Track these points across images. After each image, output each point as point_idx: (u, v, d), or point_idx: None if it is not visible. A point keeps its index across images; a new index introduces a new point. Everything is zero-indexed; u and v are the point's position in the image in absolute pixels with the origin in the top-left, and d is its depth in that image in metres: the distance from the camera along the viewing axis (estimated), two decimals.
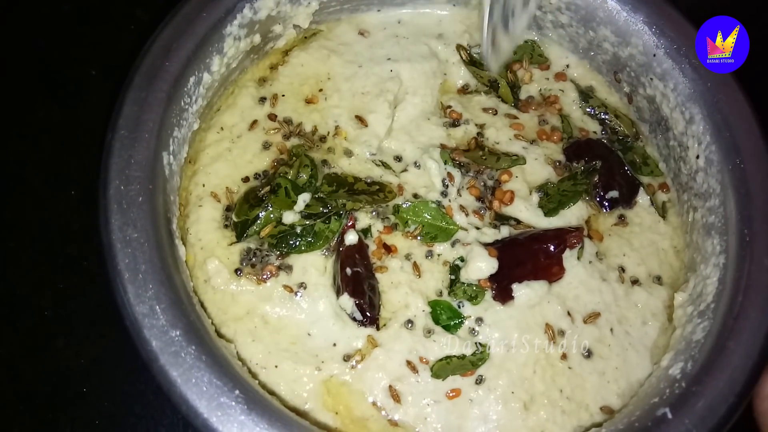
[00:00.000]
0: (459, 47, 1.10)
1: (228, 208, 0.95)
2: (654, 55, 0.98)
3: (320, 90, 1.05)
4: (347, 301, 0.88)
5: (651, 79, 1.00)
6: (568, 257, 0.94)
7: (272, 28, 1.04)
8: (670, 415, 0.74)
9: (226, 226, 0.94)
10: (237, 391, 0.71)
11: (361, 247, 0.92)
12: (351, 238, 0.92)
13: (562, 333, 0.91)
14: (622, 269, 0.96)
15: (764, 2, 1.14)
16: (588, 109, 1.08)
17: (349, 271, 0.89)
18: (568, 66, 1.11)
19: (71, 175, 1.11)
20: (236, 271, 0.91)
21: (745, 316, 0.78)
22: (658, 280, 0.97)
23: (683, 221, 0.99)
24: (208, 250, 0.92)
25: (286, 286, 0.90)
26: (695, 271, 0.92)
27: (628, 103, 1.07)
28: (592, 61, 1.09)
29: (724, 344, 0.77)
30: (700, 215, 0.94)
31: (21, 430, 0.99)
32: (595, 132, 1.06)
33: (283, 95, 1.04)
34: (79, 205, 1.09)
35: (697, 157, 0.94)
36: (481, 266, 0.92)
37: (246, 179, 0.97)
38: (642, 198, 1.02)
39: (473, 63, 1.09)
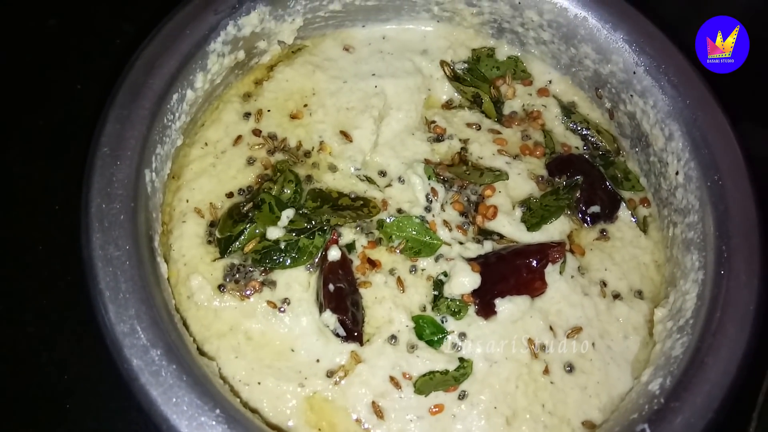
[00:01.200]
0: (443, 63, 1.11)
1: (212, 224, 0.95)
2: (634, 73, 0.99)
3: (305, 105, 1.05)
4: (330, 317, 0.88)
5: (631, 95, 1.01)
6: (551, 272, 0.95)
7: (256, 44, 1.04)
8: (648, 431, 0.74)
9: (209, 242, 0.94)
10: (218, 410, 0.71)
11: (344, 263, 0.93)
12: (334, 254, 0.92)
13: (544, 347, 0.92)
14: (604, 284, 0.97)
15: (764, 2, 1.15)
16: (570, 125, 1.09)
17: (331, 287, 0.89)
18: (550, 82, 1.12)
19: (55, 190, 1.11)
20: (219, 287, 0.91)
21: (723, 332, 0.79)
22: (640, 294, 0.98)
23: (664, 236, 1.00)
24: (192, 266, 0.92)
25: (269, 302, 0.90)
26: (675, 286, 0.93)
27: (609, 119, 1.08)
28: (573, 77, 1.10)
29: (703, 360, 0.78)
30: (679, 231, 0.95)
31: None
32: (577, 147, 1.07)
33: (268, 110, 1.04)
34: (62, 219, 1.08)
35: (677, 173, 0.95)
36: (464, 281, 0.92)
37: (230, 195, 0.97)
38: (623, 213, 1.03)
39: (457, 78, 1.10)
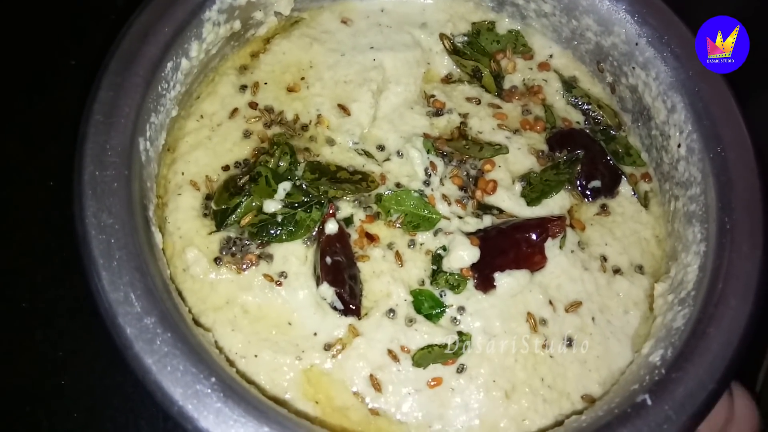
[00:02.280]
0: (442, 36, 1.09)
1: (208, 197, 0.94)
2: (636, 44, 0.98)
3: (302, 78, 1.04)
4: (327, 290, 0.87)
5: (633, 68, 1.00)
6: (551, 246, 0.94)
7: (253, 14, 1.02)
8: (649, 402, 0.73)
9: (205, 215, 0.93)
10: (213, 379, 0.70)
11: (341, 236, 0.92)
12: (331, 227, 0.91)
13: (543, 322, 0.91)
14: (604, 258, 0.96)
15: (764, 2, 1.14)
16: (571, 99, 1.08)
17: (329, 260, 0.88)
18: (551, 56, 1.11)
19: (50, 167, 1.10)
20: (216, 260, 0.90)
21: (725, 303, 0.78)
22: (640, 269, 0.97)
23: (665, 211, 0.99)
24: (187, 239, 0.91)
25: (266, 275, 0.89)
26: (676, 260, 0.92)
27: (611, 94, 1.07)
28: (575, 51, 1.09)
29: (705, 330, 0.77)
30: (681, 204, 0.94)
31: None
32: (578, 122, 1.06)
33: (265, 83, 1.03)
34: (58, 196, 1.07)
35: (679, 145, 0.94)
36: (463, 255, 0.91)
37: (226, 168, 0.96)
38: (624, 188, 1.02)
39: (456, 52, 1.09)
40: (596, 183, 1.01)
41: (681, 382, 0.74)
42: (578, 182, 1.01)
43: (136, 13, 0.87)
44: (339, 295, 0.87)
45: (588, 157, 1.01)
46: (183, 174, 0.95)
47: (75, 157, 0.80)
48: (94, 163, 0.79)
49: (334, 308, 0.88)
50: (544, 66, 1.10)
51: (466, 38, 1.10)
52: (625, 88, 1.04)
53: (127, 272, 0.74)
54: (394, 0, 1.11)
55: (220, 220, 0.92)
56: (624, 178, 1.02)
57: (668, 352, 0.79)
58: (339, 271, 0.88)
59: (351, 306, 0.88)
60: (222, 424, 0.68)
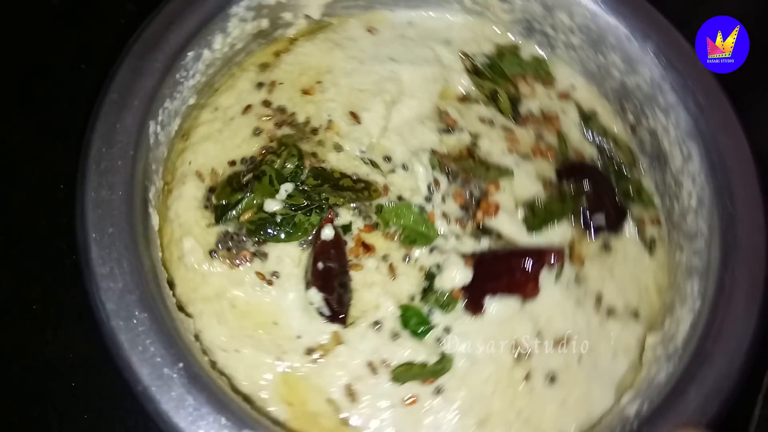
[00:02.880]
0: (463, 54, 1.09)
1: (211, 189, 0.95)
2: (660, 87, 0.96)
3: (318, 82, 1.04)
4: (315, 295, 0.88)
5: (655, 111, 0.98)
6: (546, 277, 0.92)
7: (281, 14, 1.04)
8: None
9: (206, 207, 0.94)
10: (181, 365, 0.71)
11: (337, 243, 0.92)
12: (327, 232, 0.91)
13: (529, 354, 0.90)
14: (599, 297, 0.95)
15: (764, 2, 1.13)
16: (588, 133, 1.07)
17: (321, 265, 0.89)
18: (573, 87, 1.10)
19: (60, 170, 1.09)
20: (211, 252, 0.91)
21: (711, 365, 0.76)
22: (635, 315, 0.95)
23: (670, 260, 0.97)
24: (186, 228, 0.92)
25: (258, 273, 0.90)
26: (672, 314, 0.90)
27: (632, 134, 1.06)
28: (600, 86, 1.07)
29: (685, 388, 0.75)
30: (685, 256, 0.92)
31: (8, 424, 0.98)
32: (591, 157, 1.05)
33: (281, 83, 1.04)
34: (68, 199, 1.06)
35: (690, 196, 0.93)
36: (456, 275, 0.91)
37: (232, 163, 0.97)
38: (629, 228, 1.00)
39: (476, 72, 1.09)
40: (600, 218, 0.99)
41: None
42: (582, 215, 0.99)
43: (162, 4, 0.89)
44: (327, 301, 0.88)
45: (595, 191, 1.00)
46: (190, 163, 0.96)
47: (85, 133, 0.81)
48: (102, 139, 0.80)
49: (321, 314, 0.88)
50: (564, 95, 1.09)
51: (487, 59, 1.10)
52: (646, 131, 1.02)
53: (116, 248, 0.75)
54: (422, 14, 1.11)
55: (220, 213, 0.93)
56: (630, 218, 1.00)
57: (644, 406, 0.77)
58: (330, 278, 0.89)
59: (337, 313, 0.88)
60: (182, 410, 0.69)
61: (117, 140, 0.80)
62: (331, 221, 0.93)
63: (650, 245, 1.00)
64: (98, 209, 0.76)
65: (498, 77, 1.09)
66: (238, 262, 0.91)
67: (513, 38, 1.12)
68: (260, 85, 1.03)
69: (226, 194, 0.93)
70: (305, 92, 1.04)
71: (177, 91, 0.90)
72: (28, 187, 1.11)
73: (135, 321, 0.71)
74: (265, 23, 1.01)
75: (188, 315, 0.86)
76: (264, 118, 1.00)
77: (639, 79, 1.01)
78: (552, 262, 0.92)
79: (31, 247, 1.07)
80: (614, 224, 1.00)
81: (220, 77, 1.03)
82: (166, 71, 0.86)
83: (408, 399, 0.85)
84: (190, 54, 0.90)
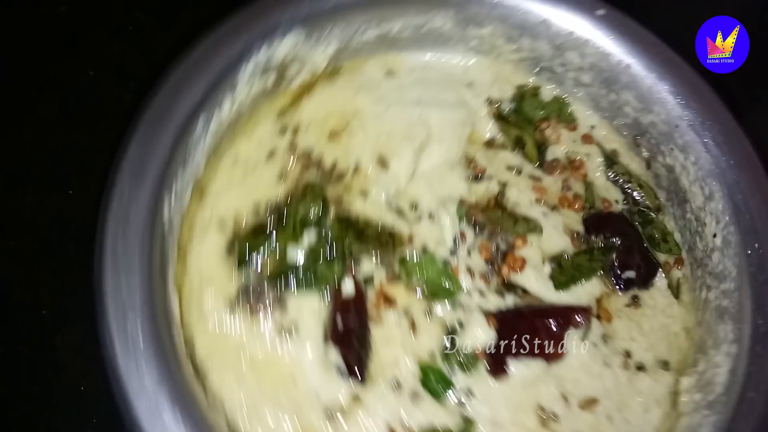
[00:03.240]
0: (489, 101, 1.06)
1: (233, 239, 0.94)
2: (677, 126, 0.94)
3: (346, 125, 1.02)
4: (333, 351, 0.86)
5: (672, 149, 0.97)
6: (572, 337, 0.90)
7: (289, 68, 1.01)
8: None
9: (228, 258, 0.93)
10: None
11: (358, 298, 0.90)
12: (348, 287, 0.89)
13: (555, 417, 0.87)
14: (629, 354, 0.92)
15: (764, 2, 1.11)
16: (611, 176, 1.04)
17: (340, 321, 0.87)
18: (593, 127, 1.07)
19: (69, 175, 1.11)
20: (231, 303, 0.90)
21: (756, 415, 0.75)
22: (665, 365, 0.92)
23: (695, 297, 0.95)
24: (206, 278, 0.91)
25: (278, 326, 0.89)
26: (705, 354, 0.88)
27: (646, 168, 1.03)
28: (611, 123, 1.05)
29: None
30: (713, 296, 0.90)
31: (17, 428, 0.98)
32: (617, 201, 1.02)
33: (307, 126, 1.02)
34: (76, 204, 1.08)
35: (714, 235, 0.90)
36: (479, 335, 0.89)
37: (257, 211, 0.95)
38: (660, 281, 0.97)
39: (502, 118, 1.06)
40: (631, 273, 0.96)
41: None
42: (611, 271, 0.97)
43: (168, 72, 0.87)
44: (345, 359, 0.86)
45: (625, 245, 0.97)
46: (211, 212, 0.95)
47: (97, 226, 0.80)
48: (117, 222, 0.78)
49: (339, 371, 0.87)
50: (587, 138, 1.06)
51: (512, 105, 1.07)
52: (662, 167, 1.00)
53: (143, 359, 0.74)
54: (432, 58, 1.09)
55: (241, 256, 0.91)
56: (660, 270, 0.97)
57: None
58: (349, 335, 0.87)
59: (356, 371, 0.87)
60: None
61: (132, 222, 0.78)
62: (353, 274, 0.91)
63: (677, 289, 0.97)
64: (120, 310, 0.76)
65: (524, 122, 1.06)
66: (258, 314, 0.89)
67: (523, 77, 1.10)
68: (284, 129, 1.01)
69: (250, 240, 0.92)
70: (332, 136, 1.01)
71: (190, 156, 0.88)
72: (38, 192, 1.10)
73: (166, 419, 0.71)
74: (272, 79, 0.99)
75: (208, 376, 0.85)
76: (289, 162, 0.98)
77: (654, 118, 0.98)
78: (578, 322, 0.90)
79: (40, 251, 1.07)
80: (645, 279, 0.97)
81: (232, 129, 1.00)
82: (177, 141, 0.84)
83: None
84: (201, 117, 0.88)
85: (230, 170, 0.97)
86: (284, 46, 0.96)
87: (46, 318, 1.04)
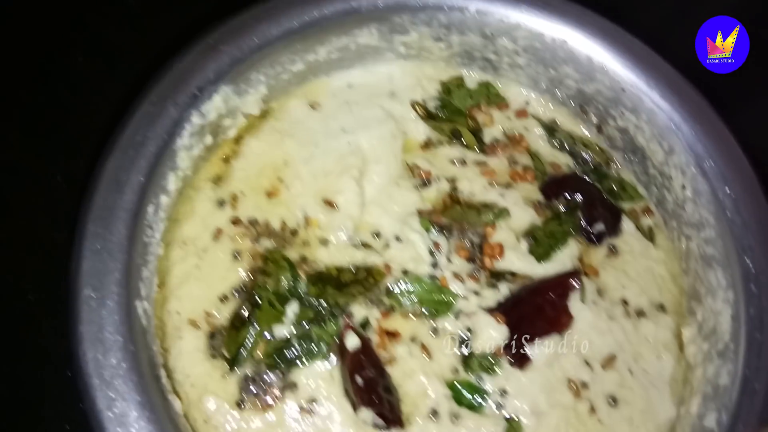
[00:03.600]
0: (414, 104, 1.05)
1: (211, 335, 0.87)
2: (622, 90, 0.96)
3: (280, 179, 0.97)
4: (366, 413, 0.82)
5: (622, 112, 0.98)
6: (573, 302, 0.92)
7: (222, 123, 0.95)
8: None
9: (213, 356, 0.86)
10: None
11: (365, 347, 0.87)
12: (352, 341, 0.86)
13: (585, 385, 0.89)
14: (625, 302, 0.95)
15: (764, 2, 1.15)
16: (556, 143, 1.06)
17: (360, 380, 0.83)
18: (528, 102, 1.08)
19: (57, 161, 1.09)
20: (238, 404, 0.83)
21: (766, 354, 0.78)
22: (662, 308, 0.96)
23: (675, 247, 0.99)
24: (201, 387, 0.84)
25: (297, 407, 0.83)
26: (701, 302, 0.91)
27: (597, 133, 1.05)
28: (554, 96, 1.06)
29: (753, 387, 0.76)
30: (695, 245, 0.93)
31: (2, 412, 0.95)
32: (567, 165, 1.04)
33: (243, 193, 0.95)
34: (64, 190, 1.07)
35: (683, 187, 0.93)
36: (493, 335, 0.88)
37: (224, 298, 0.89)
38: (627, 224, 1.01)
39: (431, 117, 1.05)
40: (600, 226, 0.99)
41: None
42: (582, 229, 0.99)
43: (102, 160, 0.79)
44: (380, 415, 0.82)
45: (585, 201, 1.00)
46: (179, 314, 0.87)
47: (71, 341, 0.72)
48: (95, 346, 0.71)
49: (376, 426, 0.83)
50: (521, 113, 1.07)
51: (438, 101, 1.06)
52: (614, 129, 1.02)
53: None
54: (360, 72, 1.06)
55: (232, 359, 0.85)
56: (624, 215, 1.01)
57: (722, 415, 0.78)
58: (373, 389, 0.83)
59: (393, 420, 0.83)
60: None
61: (110, 342, 0.71)
62: (351, 326, 0.87)
63: (650, 235, 1.01)
64: (119, 428, 0.67)
65: (453, 115, 1.06)
66: (269, 402, 0.83)
67: (455, 71, 1.08)
68: (221, 202, 0.94)
69: (234, 338, 0.85)
70: (270, 194, 0.96)
71: (148, 253, 0.80)
72: (25, 178, 1.09)
73: None
74: (209, 140, 0.93)
75: None
76: (238, 238, 0.92)
77: (598, 86, 1.00)
78: (573, 285, 0.92)
79: (27, 237, 1.05)
80: (613, 226, 1.00)
81: (175, 207, 0.93)
82: (131, 241, 0.76)
83: None
84: (150, 209, 0.80)
85: (183, 260, 0.90)
86: (214, 106, 0.91)
87: (31, 302, 1.01)
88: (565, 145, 1.05)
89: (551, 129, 1.06)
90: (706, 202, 0.90)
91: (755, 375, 0.77)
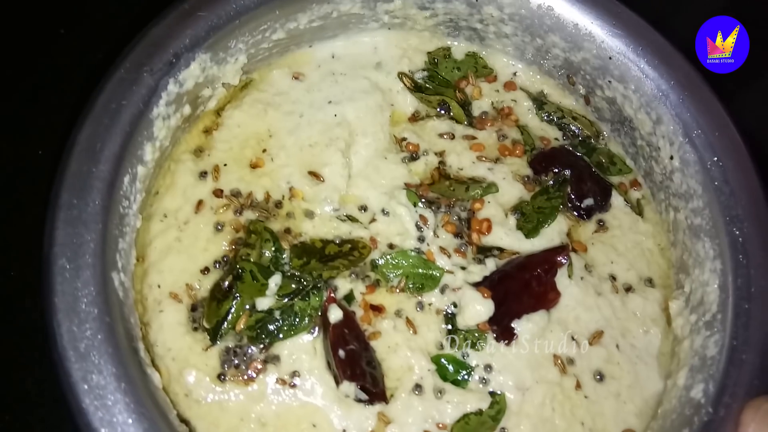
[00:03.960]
0: (401, 75, 1.02)
1: (193, 308, 0.85)
2: (609, 58, 0.94)
3: (264, 150, 0.95)
4: (349, 387, 0.81)
5: (609, 81, 0.96)
6: (560, 278, 0.90)
7: (201, 93, 0.93)
8: None
9: (195, 329, 0.84)
10: None
11: (348, 320, 0.85)
12: (335, 314, 0.84)
13: (571, 361, 0.88)
14: (613, 278, 0.94)
15: (764, 2, 1.13)
16: (544, 116, 1.04)
17: (342, 353, 0.82)
18: (515, 74, 1.06)
19: (39, 133, 1.08)
20: (219, 376, 0.82)
21: (756, 325, 0.77)
22: (650, 282, 0.95)
23: (663, 219, 0.97)
24: (182, 360, 0.82)
25: (278, 380, 0.82)
26: (688, 274, 0.90)
27: (585, 104, 1.03)
28: (541, 66, 1.04)
29: (741, 358, 0.75)
30: (683, 216, 0.92)
31: None
32: (556, 138, 1.03)
33: (225, 164, 0.93)
34: (46, 165, 1.01)
35: (671, 157, 0.92)
36: (478, 309, 0.87)
37: (205, 270, 0.87)
38: (616, 199, 0.99)
39: (418, 88, 1.03)
40: (588, 201, 0.98)
41: (730, 420, 0.72)
42: (570, 203, 0.98)
43: (77, 129, 0.76)
44: (362, 388, 0.82)
45: (575, 175, 0.98)
46: (159, 287, 0.85)
47: (45, 313, 0.70)
48: (69, 317, 0.69)
49: (359, 400, 0.82)
50: (509, 86, 1.05)
51: (425, 72, 1.04)
52: (602, 100, 1.00)
53: None
54: (344, 43, 1.03)
55: (213, 332, 0.84)
56: (614, 190, 0.99)
57: (709, 386, 0.77)
58: (356, 362, 0.82)
59: (376, 393, 0.83)
60: None
61: (85, 313, 0.69)
62: (334, 300, 0.86)
63: (638, 208, 0.99)
64: (96, 400, 0.66)
65: (441, 87, 1.04)
66: (251, 375, 0.82)
67: (441, 41, 1.06)
68: (203, 174, 0.92)
69: (214, 310, 0.84)
70: (254, 166, 0.94)
71: (125, 224, 0.78)
72: (6, 151, 1.08)
73: None
74: (187, 110, 0.91)
75: None
76: (221, 210, 0.90)
77: (585, 54, 0.98)
78: (561, 261, 0.90)
79: (9, 213, 1.04)
80: (602, 201, 0.99)
81: (155, 179, 0.91)
82: (107, 210, 0.74)
83: None
84: (126, 179, 0.78)
85: (163, 233, 0.88)
86: (192, 74, 0.88)
87: (15, 279, 1.00)
88: (554, 117, 1.03)
89: (540, 101, 1.04)
90: (693, 172, 0.88)
91: (743, 346, 0.76)
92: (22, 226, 1.01)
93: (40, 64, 1.14)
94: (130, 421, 0.67)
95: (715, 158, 0.85)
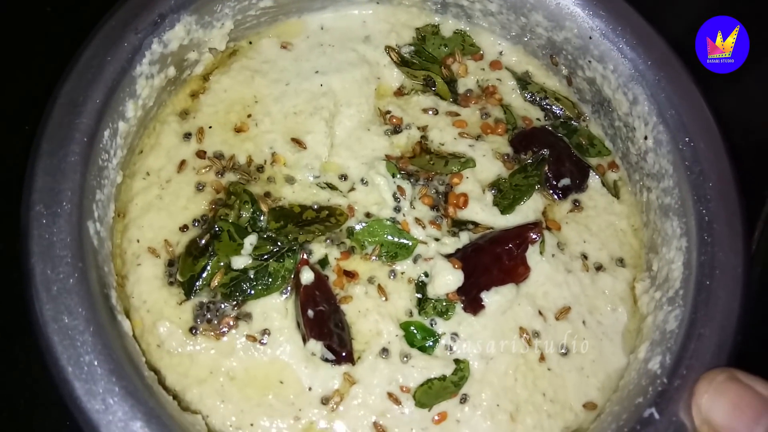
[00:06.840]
0: (388, 48, 1.04)
1: (170, 263, 0.88)
2: (590, 38, 0.95)
3: (249, 116, 0.97)
4: (315, 345, 0.84)
5: (589, 61, 0.97)
6: (531, 254, 0.92)
7: (186, 56, 0.95)
8: (657, 416, 0.73)
9: (171, 283, 0.87)
10: None
11: (319, 283, 0.88)
12: (307, 276, 0.86)
13: (537, 334, 0.90)
14: (585, 257, 0.96)
15: (764, 2, 1.13)
16: (528, 96, 1.05)
17: (311, 312, 0.84)
18: (501, 53, 1.07)
19: (27, 112, 0.99)
20: (191, 330, 0.85)
21: (716, 301, 0.78)
22: (621, 262, 0.96)
23: (638, 200, 0.99)
24: (156, 312, 0.85)
25: (248, 336, 0.85)
26: (657, 253, 0.92)
27: (567, 86, 1.05)
28: (526, 46, 1.05)
29: (699, 333, 0.77)
30: (655, 196, 0.93)
31: None
32: (538, 119, 1.04)
33: (210, 127, 0.96)
34: (27, 144, 0.99)
35: (645, 137, 0.93)
36: (448, 279, 0.89)
37: (184, 228, 0.90)
38: (593, 180, 1.01)
39: (405, 63, 1.04)
40: (566, 181, 0.99)
41: (684, 390, 0.74)
42: (548, 182, 0.99)
43: (60, 82, 0.78)
44: (329, 347, 0.84)
45: (554, 155, 1.00)
46: (139, 242, 0.88)
47: (20, 255, 0.72)
48: (44, 260, 0.72)
49: (326, 360, 0.85)
50: (495, 65, 1.06)
51: (412, 47, 1.05)
52: (583, 80, 1.02)
53: (101, 377, 0.68)
54: (332, 15, 1.05)
55: (188, 287, 0.86)
56: (591, 171, 1.01)
57: (666, 358, 0.79)
58: (323, 322, 0.85)
59: (342, 354, 0.85)
60: None
61: (59, 257, 0.71)
62: (307, 262, 0.88)
63: (615, 190, 1.01)
64: (65, 340, 0.68)
65: (428, 63, 1.05)
66: (222, 330, 0.85)
67: (429, 18, 1.07)
68: (187, 135, 0.95)
69: (189, 266, 0.86)
70: (238, 130, 0.96)
71: (104, 177, 0.81)
72: None
73: None
74: (171, 71, 0.93)
75: (190, 409, 0.80)
76: (203, 170, 0.93)
77: (567, 34, 0.99)
78: (534, 238, 0.92)
79: None
80: (579, 183, 1.00)
81: (139, 138, 0.93)
82: (86, 161, 0.77)
83: (437, 417, 0.84)
84: (106, 133, 0.81)
85: (145, 191, 0.91)
86: (176, 35, 0.90)
87: (2, 252, 0.96)
88: (537, 98, 1.05)
89: (524, 81, 1.05)
90: (666, 152, 0.90)
91: (702, 321, 0.77)
92: (7, 200, 0.97)
93: (28, 43, 1.13)
94: (96, 362, 0.69)
95: (687, 138, 0.86)
